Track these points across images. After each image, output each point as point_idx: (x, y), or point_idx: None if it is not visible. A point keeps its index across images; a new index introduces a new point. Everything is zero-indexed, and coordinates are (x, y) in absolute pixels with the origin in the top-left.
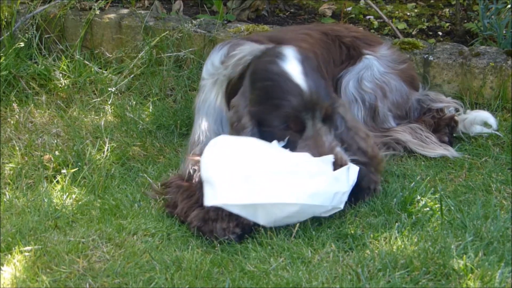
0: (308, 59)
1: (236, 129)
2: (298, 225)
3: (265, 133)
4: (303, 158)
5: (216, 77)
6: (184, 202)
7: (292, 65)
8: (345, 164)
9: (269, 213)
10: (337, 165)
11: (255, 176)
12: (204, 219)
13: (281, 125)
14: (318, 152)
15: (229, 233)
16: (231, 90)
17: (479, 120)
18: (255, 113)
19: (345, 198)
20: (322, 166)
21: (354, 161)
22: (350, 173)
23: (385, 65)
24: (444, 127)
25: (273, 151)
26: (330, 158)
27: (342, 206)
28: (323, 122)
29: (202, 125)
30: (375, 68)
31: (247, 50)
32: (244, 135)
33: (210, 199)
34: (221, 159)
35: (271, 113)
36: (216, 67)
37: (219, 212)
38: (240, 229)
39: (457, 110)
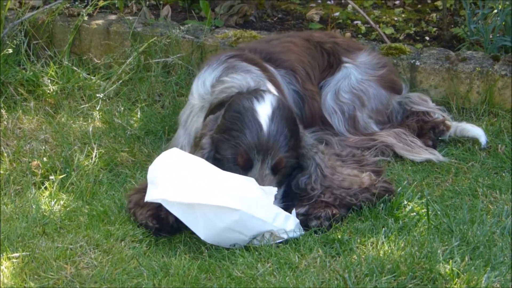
0: (285, 110)
1: (195, 144)
2: None
3: (217, 161)
4: (247, 180)
5: (203, 103)
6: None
7: (263, 107)
8: None
9: (209, 223)
10: None
11: (197, 181)
12: (137, 203)
13: (231, 156)
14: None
15: (146, 219)
16: (209, 114)
17: (472, 134)
18: (216, 140)
19: (291, 224)
20: (263, 193)
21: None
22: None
23: (363, 73)
24: (428, 131)
25: (218, 170)
26: (273, 190)
27: (289, 229)
28: (272, 171)
29: (181, 140)
30: (352, 77)
31: (237, 82)
32: (199, 155)
33: (151, 195)
34: (169, 166)
35: (227, 142)
36: (206, 90)
37: (149, 202)
38: (156, 221)
39: (442, 115)
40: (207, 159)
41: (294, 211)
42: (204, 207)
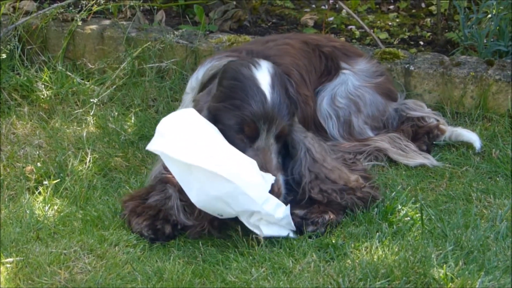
0: (281, 76)
1: None
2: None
3: (219, 131)
4: (249, 160)
5: (194, 92)
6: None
7: (263, 75)
8: (280, 193)
9: (202, 188)
10: (272, 189)
11: (201, 145)
12: (132, 210)
13: (236, 125)
14: (265, 166)
15: (141, 229)
16: (200, 92)
17: (466, 139)
18: (214, 109)
19: (281, 212)
20: (262, 177)
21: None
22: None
23: (361, 79)
24: (423, 136)
25: (226, 142)
26: (272, 179)
27: (277, 217)
28: (276, 140)
29: None
30: (349, 83)
31: (226, 60)
32: None
33: (152, 145)
34: (181, 123)
35: (230, 111)
36: (197, 81)
37: (145, 210)
38: (152, 231)
39: (437, 120)
40: None
41: (288, 206)
42: (201, 171)
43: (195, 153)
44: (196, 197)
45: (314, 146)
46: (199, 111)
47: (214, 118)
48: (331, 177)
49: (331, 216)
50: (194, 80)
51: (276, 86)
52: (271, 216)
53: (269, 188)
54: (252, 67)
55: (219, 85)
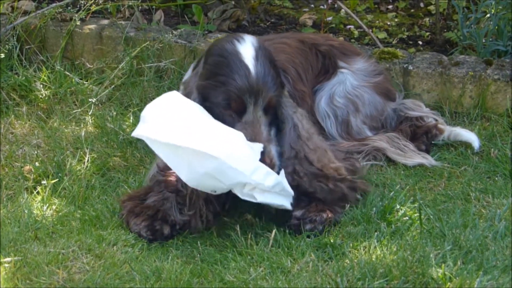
0: (265, 49)
1: None
2: (276, 233)
3: (208, 109)
4: (235, 132)
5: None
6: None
7: (246, 48)
8: (274, 163)
9: (190, 167)
10: (264, 161)
11: (185, 125)
12: (131, 210)
13: (223, 101)
14: (254, 139)
15: (140, 230)
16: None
17: (465, 139)
18: (202, 87)
19: (271, 180)
20: (250, 148)
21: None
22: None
23: (359, 79)
24: (422, 136)
25: (209, 118)
26: (260, 147)
27: (267, 185)
28: (264, 112)
29: None
30: (348, 82)
31: None
32: None
33: (137, 131)
34: (163, 107)
35: (216, 88)
36: (189, 73)
37: (144, 210)
38: (150, 232)
39: (435, 119)
40: None
41: (282, 171)
42: (186, 151)
43: (179, 134)
44: (186, 176)
45: (302, 123)
46: (189, 93)
47: (203, 96)
48: (309, 157)
49: (329, 215)
50: (186, 75)
51: (260, 58)
52: (261, 185)
53: (258, 156)
54: (235, 42)
55: (205, 63)
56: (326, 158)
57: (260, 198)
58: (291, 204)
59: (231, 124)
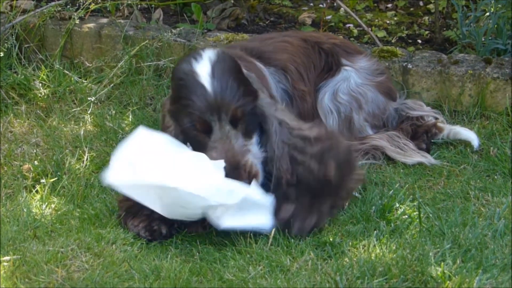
0: (226, 61)
1: (163, 129)
2: (275, 232)
3: (182, 132)
4: (196, 155)
5: None
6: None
7: (202, 66)
8: (254, 173)
9: (161, 199)
10: (245, 171)
11: (146, 161)
12: (128, 210)
13: (188, 124)
14: (226, 155)
15: (138, 230)
16: None
17: (464, 137)
18: (172, 112)
19: (235, 198)
20: (211, 167)
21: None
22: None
23: (363, 77)
24: (422, 134)
25: (170, 148)
26: (221, 164)
27: (231, 203)
28: (232, 125)
29: None
30: (352, 80)
31: None
32: (169, 134)
33: (107, 178)
34: (126, 148)
35: (181, 112)
36: None
37: (141, 210)
38: (149, 233)
39: (436, 118)
40: (175, 135)
41: (254, 183)
42: (151, 187)
43: (143, 172)
44: (161, 210)
45: (286, 117)
46: (164, 116)
47: (175, 120)
48: (309, 135)
49: (317, 218)
50: None
51: (216, 73)
52: (225, 205)
53: (221, 175)
54: (192, 61)
55: (171, 86)
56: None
57: (228, 222)
58: (273, 211)
59: (204, 145)
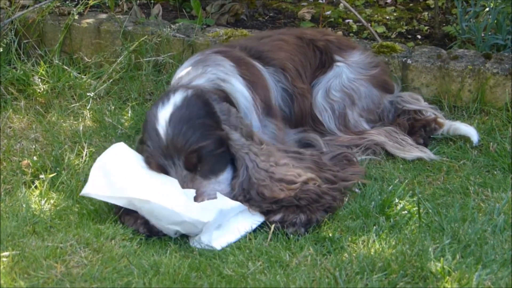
0: (188, 106)
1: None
2: (275, 227)
3: None
4: (169, 179)
5: None
6: None
7: (164, 111)
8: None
9: (139, 210)
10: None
11: (124, 176)
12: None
13: (148, 165)
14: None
15: (137, 227)
16: None
17: (464, 132)
18: (140, 149)
19: (210, 215)
20: (183, 193)
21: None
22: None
23: (355, 72)
24: (419, 129)
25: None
26: (193, 192)
27: (206, 220)
28: (188, 170)
29: None
30: (344, 75)
31: (181, 78)
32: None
33: (86, 189)
34: (109, 159)
35: (143, 153)
36: (174, 81)
37: None
38: (147, 229)
39: (434, 114)
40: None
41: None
42: (130, 200)
43: (122, 187)
44: (147, 216)
45: (256, 162)
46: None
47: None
48: (282, 177)
49: (309, 216)
50: (174, 78)
51: (173, 120)
52: (199, 222)
53: (191, 200)
54: (159, 105)
55: (142, 126)
56: (293, 171)
57: (222, 242)
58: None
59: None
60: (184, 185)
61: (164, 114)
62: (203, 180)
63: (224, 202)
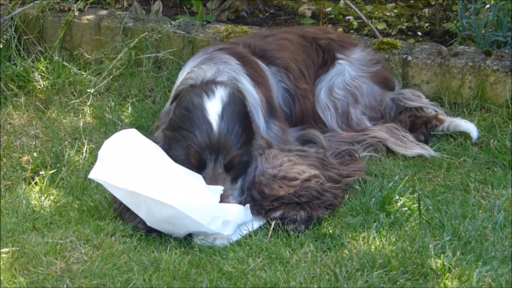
0: (236, 104)
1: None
2: (275, 224)
3: (171, 158)
4: (195, 177)
5: (171, 98)
6: None
7: (213, 104)
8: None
9: (149, 211)
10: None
11: (144, 169)
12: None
13: (183, 156)
14: None
15: (137, 223)
16: (171, 103)
17: (464, 129)
18: (168, 137)
19: (230, 229)
20: (209, 191)
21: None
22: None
23: (357, 69)
24: (421, 126)
25: (169, 161)
26: (220, 189)
27: (226, 234)
28: (225, 170)
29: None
30: (346, 73)
31: (201, 74)
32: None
33: (94, 173)
34: (122, 146)
35: (178, 142)
36: (175, 87)
37: None
38: (146, 225)
39: (435, 111)
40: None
41: (247, 206)
42: (144, 198)
43: (136, 179)
44: (145, 217)
45: (264, 166)
46: (157, 128)
47: (168, 145)
48: (285, 175)
49: (309, 213)
50: (180, 76)
51: (226, 115)
52: (220, 234)
53: (217, 200)
54: (204, 96)
55: (174, 112)
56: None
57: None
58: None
59: None
60: (213, 182)
61: (214, 107)
62: (231, 184)
63: (243, 216)
